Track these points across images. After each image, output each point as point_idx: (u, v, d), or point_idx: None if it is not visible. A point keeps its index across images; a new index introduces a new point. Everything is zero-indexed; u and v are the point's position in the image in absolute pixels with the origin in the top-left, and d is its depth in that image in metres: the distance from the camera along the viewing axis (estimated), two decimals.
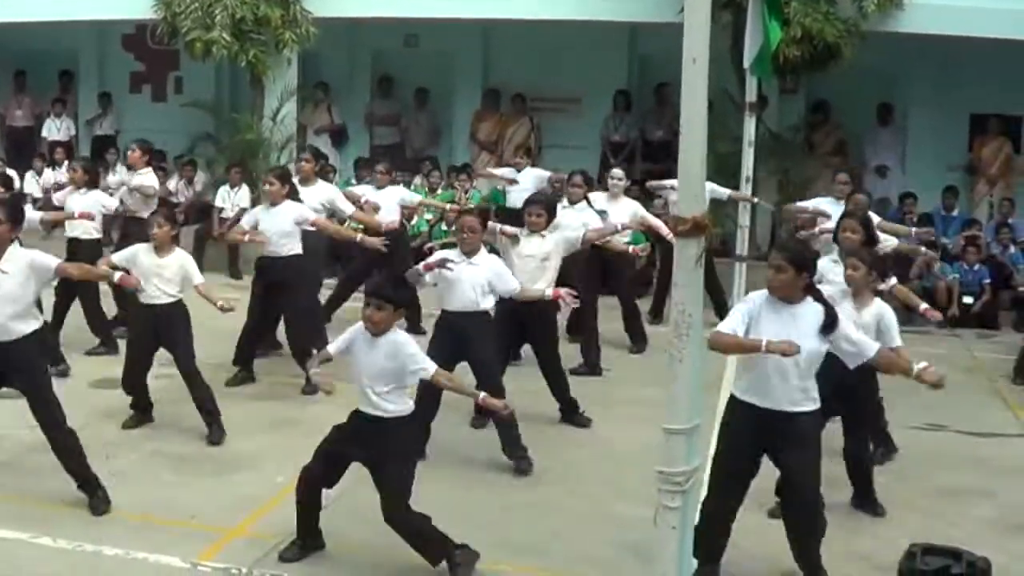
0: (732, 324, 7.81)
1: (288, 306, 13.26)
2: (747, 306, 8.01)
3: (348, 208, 14.68)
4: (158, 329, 11.30)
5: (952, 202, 20.63)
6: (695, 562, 7.27)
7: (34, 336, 9.28)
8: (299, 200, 13.46)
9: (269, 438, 11.37)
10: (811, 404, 8.05)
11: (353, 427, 8.44)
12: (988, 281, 18.61)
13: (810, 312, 7.98)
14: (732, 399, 8.17)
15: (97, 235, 14.34)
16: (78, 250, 13.92)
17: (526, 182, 18.02)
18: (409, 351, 8.25)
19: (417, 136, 23.15)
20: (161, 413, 11.68)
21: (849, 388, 9.34)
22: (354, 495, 9.13)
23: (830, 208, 14.60)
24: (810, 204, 15.68)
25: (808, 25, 17.99)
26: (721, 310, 15.13)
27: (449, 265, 10.62)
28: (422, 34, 22.64)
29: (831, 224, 13.04)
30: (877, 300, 9.86)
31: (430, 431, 10.61)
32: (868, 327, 9.41)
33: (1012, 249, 19.41)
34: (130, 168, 15.65)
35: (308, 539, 8.69)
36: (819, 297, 8.08)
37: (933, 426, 12.89)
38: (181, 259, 11.36)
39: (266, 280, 13.27)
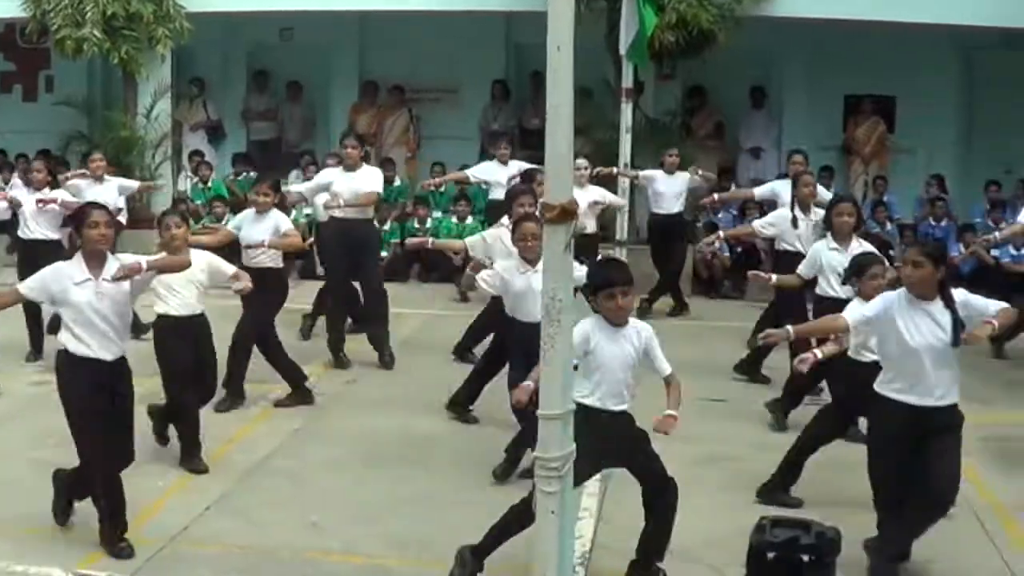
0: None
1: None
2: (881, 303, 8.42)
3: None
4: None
5: (828, 182, 20.80)
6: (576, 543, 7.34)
7: None
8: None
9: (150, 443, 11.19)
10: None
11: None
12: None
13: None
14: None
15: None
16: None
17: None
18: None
19: (292, 130, 23.01)
20: (38, 420, 11.32)
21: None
22: (238, 496, 9.10)
23: (786, 190, 14.68)
24: (767, 188, 15.95)
25: (683, 11, 18.14)
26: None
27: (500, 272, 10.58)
28: (297, 27, 22.50)
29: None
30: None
31: None
32: None
33: (889, 226, 19.74)
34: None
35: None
36: (948, 302, 8.28)
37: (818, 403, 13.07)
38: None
39: None
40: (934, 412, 8.27)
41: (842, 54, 21.29)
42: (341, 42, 22.72)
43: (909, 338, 8.27)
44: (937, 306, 8.25)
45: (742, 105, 22.24)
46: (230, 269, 10.82)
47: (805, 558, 3.09)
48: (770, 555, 3.08)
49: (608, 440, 7.90)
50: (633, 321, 8.01)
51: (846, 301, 10.21)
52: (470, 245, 12.35)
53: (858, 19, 19.16)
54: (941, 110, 21.90)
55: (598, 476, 10.07)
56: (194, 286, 10.58)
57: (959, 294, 8.31)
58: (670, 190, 16.93)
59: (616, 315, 7.91)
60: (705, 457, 10.82)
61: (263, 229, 12.27)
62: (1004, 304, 8.33)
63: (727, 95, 22.13)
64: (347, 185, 13.78)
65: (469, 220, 19.75)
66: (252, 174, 19.95)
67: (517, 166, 17.09)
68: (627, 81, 16.22)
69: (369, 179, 13.93)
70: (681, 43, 18.30)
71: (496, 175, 17.11)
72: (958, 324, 8.14)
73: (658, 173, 17.04)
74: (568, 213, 5.55)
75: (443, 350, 14.31)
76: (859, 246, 11.58)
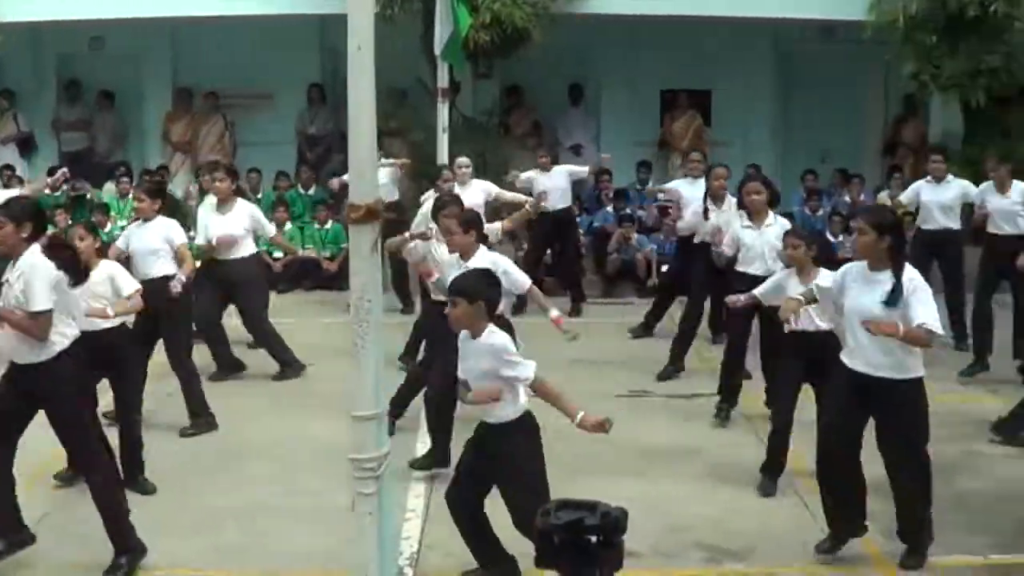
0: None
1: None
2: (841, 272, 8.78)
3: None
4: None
5: (646, 176, 21.17)
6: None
7: None
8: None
9: None
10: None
11: None
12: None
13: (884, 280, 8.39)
14: None
15: None
16: None
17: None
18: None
19: (104, 140, 22.54)
20: None
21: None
22: (62, 511, 8.95)
23: (686, 189, 15.11)
24: (668, 187, 16.07)
25: (497, 10, 18.23)
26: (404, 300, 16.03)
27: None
28: (108, 36, 22.10)
29: (691, 209, 14.27)
30: (822, 271, 10.09)
31: None
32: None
33: None
34: None
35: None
36: (898, 270, 8.37)
37: (638, 392, 13.23)
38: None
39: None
40: (870, 381, 8.45)
41: (658, 49, 21.56)
42: (153, 50, 22.35)
43: (850, 303, 8.55)
44: (886, 275, 8.37)
45: (561, 103, 22.37)
46: (129, 288, 10.35)
47: (592, 539, 3.14)
48: (557, 538, 3.12)
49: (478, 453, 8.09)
50: (490, 331, 7.88)
51: (764, 277, 10.86)
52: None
53: (673, 14, 19.45)
54: (757, 102, 22.34)
55: (424, 475, 10.17)
56: (100, 301, 10.11)
57: (915, 282, 8.36)
58: (556, 186, 17.09)
59: (451, 325, 7.95)
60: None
61: (152, 238, 11.85)
62: (931, 324, 8.28)
63: (545, 93, 22.26)
64: (220, 228, 13.38)
65: (288, 226, 19.65)
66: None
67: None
68: (443, 81, 16.25)
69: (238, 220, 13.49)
70: (496, 42, 18.40)
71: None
72: (896, 290, 8.27)
73: (541, 175, 17.27)
74: (373, 213, 5.54)
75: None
76: (774, 221, 11.92)
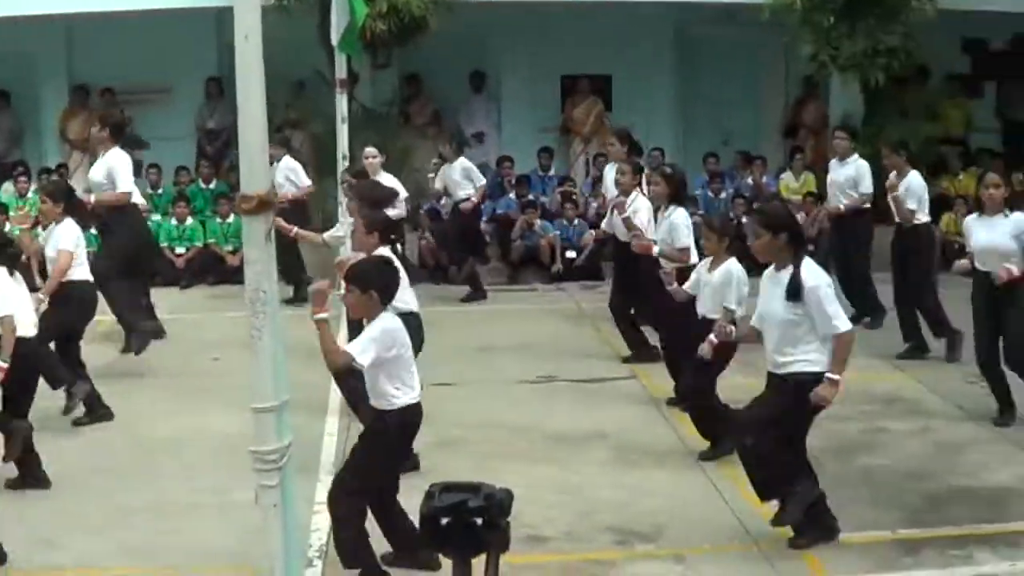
0: None
1: None
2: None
3: None
4: None
5: (548, 162, 21.26)
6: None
7: None
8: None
9: None
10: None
11: None
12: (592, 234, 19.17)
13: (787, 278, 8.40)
14: None
15: None
16: None
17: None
18: None
19: (0, 141, 22.23)
20: None
21: None
22: None
23: (611, 173, 14.95)
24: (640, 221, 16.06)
25: None
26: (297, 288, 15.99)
27: None
28: (1, 34, 21.78)
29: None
30: (731, 260, 10.35)
31: None
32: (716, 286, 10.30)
33: None
34: None
35: None
36: (796, 264, 8.38)
37: (545, 378, 13.26)
38: None
39: None
40: (770, 376, 8.63)
41: (557, 35, 21.57)
42: (47, 47, 21.99)
43: (760, 307, 8.68)
44: (788, 273, 8.43)
45: (462, 91, 22.34)
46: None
47: (478, 521, 3.12)
48: (443, 520, 3.10)
49: None
50: (381, 319, 7.92)
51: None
52: None
53: (575, 0, 19.50)
54: (658, 86, 22.44)
55: (335, 468, 10.11)
56: None
57: (817, 278, 8.41)
58: (461, 179, 17.39)
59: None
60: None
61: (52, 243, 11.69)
62: (843, 328, 8.38)
63: (446, 81, 22.20)
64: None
65: (189, 221, 19.51)
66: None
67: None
68: (341, 72, 16.12)
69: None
70: (394, 31, 18.36)
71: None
72: (794, 281, 8.32)
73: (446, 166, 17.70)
74: (265, 204, 5.48)
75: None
76: (673, 210, 12.06)
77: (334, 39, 15.50)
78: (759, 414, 8.63)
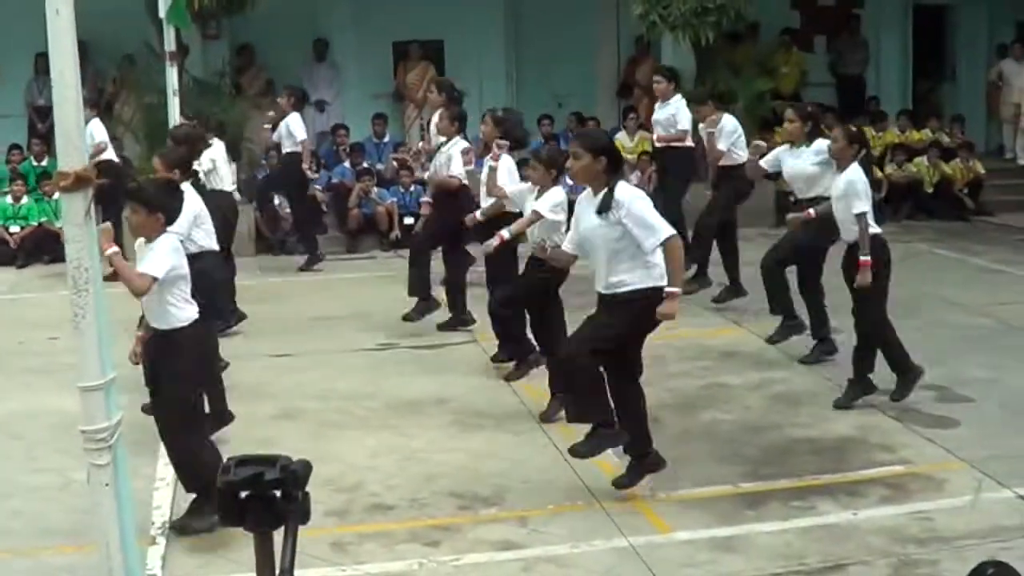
0: None
1: None
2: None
3: None
4: None
5: (382, 129, 21.23)
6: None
7: None
8: None
9: None
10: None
11: None
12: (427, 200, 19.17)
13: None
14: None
15: None
16: None
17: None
18: None
19: None
20: None
21: None
22: None
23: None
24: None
25: None
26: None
27: None
28: None
29: None
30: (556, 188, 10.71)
31: None
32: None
33: None
34: None
35: None
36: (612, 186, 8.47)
37: (384, 346, 13.28)
38: None
39: None
40: (601, 297, 8.70)
41: (388, 2, 21.51)
42: None
43: (581, 230, 8.73)
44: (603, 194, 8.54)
45: (298, 59, 22.15)
46: None
47: (276, 494, 3.14)
48: (241, 494, 3.11)
49: None
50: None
51: None
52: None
53: None
54: (490, 50, 22.56)
55: None
56: None
57: (630, 192, 8.56)
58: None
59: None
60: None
61: None
62: (666, 234, 8.41)
63: (279, 51, 21.99)
64: None
65: (25, 200, 19.18)
66: None
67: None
68: (170, 44, 15.95)
69: None
70: (223, 1, 18.13)
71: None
72: (606, 198, 8.43)
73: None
74: (83, 180, 5.43)
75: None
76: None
77: (162, 12, 15.33)
78: (585, 331, 8.78)
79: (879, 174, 20.62)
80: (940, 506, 8.69)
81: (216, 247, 10.66)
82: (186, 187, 9.98)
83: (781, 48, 22.90)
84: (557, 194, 10.74)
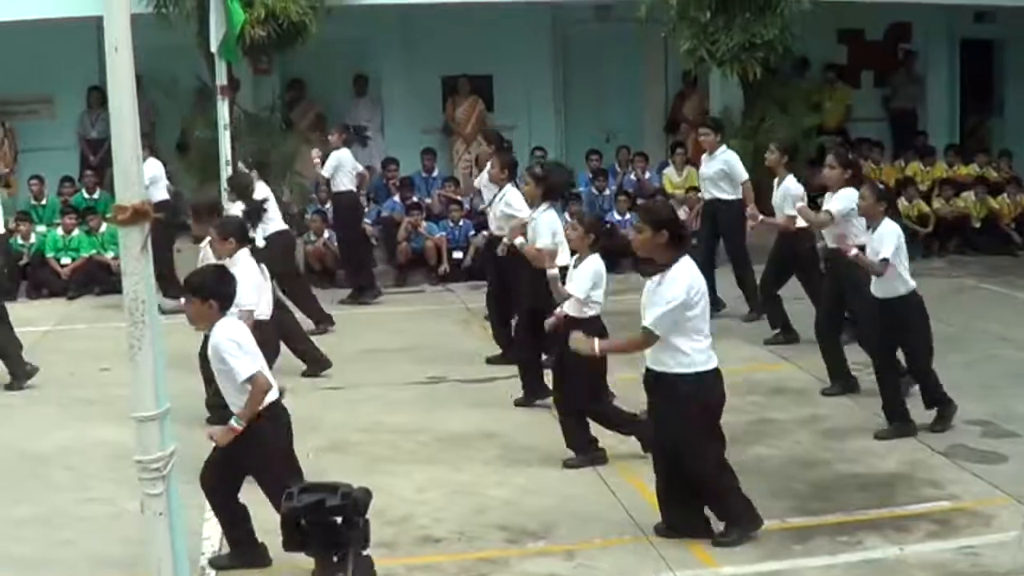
0: None
1: None
2: None
3: None
4: None
5: (431, 163, 21.28)
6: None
7: None
8: None
9: None
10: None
11: None
12: (474, 235, 19.25)
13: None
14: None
15: None
16: None
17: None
18: None
19: None
20: None
21: None
22: None
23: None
24: None
25: (271, 5, 18.08)
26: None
27: None
28: None
29: None
30: (594, 256, 10.35)
31: None
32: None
33: None
34: None
35: None
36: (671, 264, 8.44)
37: (433, 379, 13.31)
38: None
39: None
40: (647, 375, 8.70)
41: (436, 36, 21.63)
42: None
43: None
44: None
45: (345, 94, 22.32)
46: None
47: (337, 520, 3.18)
48: (303, 521, 3.15)
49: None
50: (219, 326, 8.13)
51: None
52: None
53: (448, 1, 19.53)
54: (538, 85, 22.61)
55: None
56: None
57: (666, 277, 8.44)
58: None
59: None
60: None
61: None
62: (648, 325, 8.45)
63: (327, 85, 22.17)
64: None
65: (76, 232, 19.34)
66: None
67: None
68: (222, 78, 16.12)
69: None
70: (273, 36, 18.28)
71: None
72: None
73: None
74: (141, 214, 5.51)
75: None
76: (542, 211, 12.06)
77: (213, 47, 15.49)
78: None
79: (926, 209, 20.60)
80: (987, 541, 8.66)
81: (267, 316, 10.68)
82: (244, 255, 10.22)
83: (826, 83, 22.90)
84: (594, 263, 10.38)
